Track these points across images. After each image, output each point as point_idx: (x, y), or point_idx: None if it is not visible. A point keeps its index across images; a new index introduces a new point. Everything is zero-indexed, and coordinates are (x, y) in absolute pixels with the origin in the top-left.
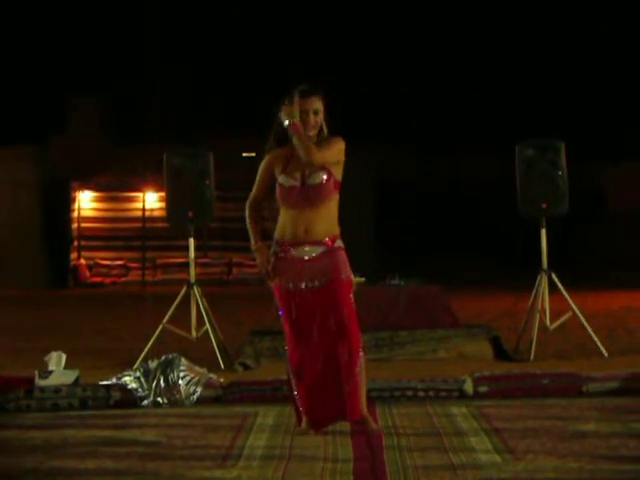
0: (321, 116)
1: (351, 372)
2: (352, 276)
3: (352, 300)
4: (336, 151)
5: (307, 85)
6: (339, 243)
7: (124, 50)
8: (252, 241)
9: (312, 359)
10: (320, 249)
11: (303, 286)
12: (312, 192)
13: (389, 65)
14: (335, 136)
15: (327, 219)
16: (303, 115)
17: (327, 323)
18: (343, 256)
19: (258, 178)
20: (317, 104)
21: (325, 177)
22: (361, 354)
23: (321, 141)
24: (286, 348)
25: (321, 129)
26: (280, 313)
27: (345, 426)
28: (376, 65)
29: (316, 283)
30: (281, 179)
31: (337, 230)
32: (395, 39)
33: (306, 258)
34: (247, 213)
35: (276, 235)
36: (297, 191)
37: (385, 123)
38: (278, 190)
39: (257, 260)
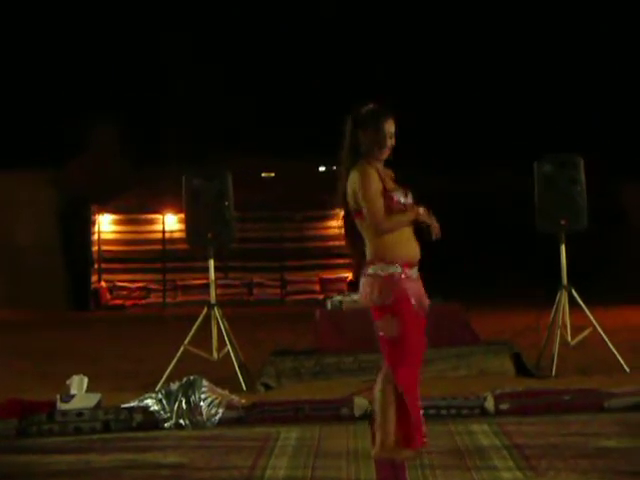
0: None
1: None
2: None
3: None
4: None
5: (381, 105)
6: None
7: (143, 72)
8: (408, 217)
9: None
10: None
11: (423, 306)
12: None
13: (410, 83)
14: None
15: None
16: (389, 138)
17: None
18: None
19: (375, 191)
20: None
21: None
22: None
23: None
24: (388, 365)
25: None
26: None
27: (368, 446)
28: (397, 82)
29: (426, 304)
30: (398, 195)
31: None
32: (408, 52)
33: (414, 277)
34: (386, 225)
35: (388, 255)
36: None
37: (405, 141)
38: (395, 206)
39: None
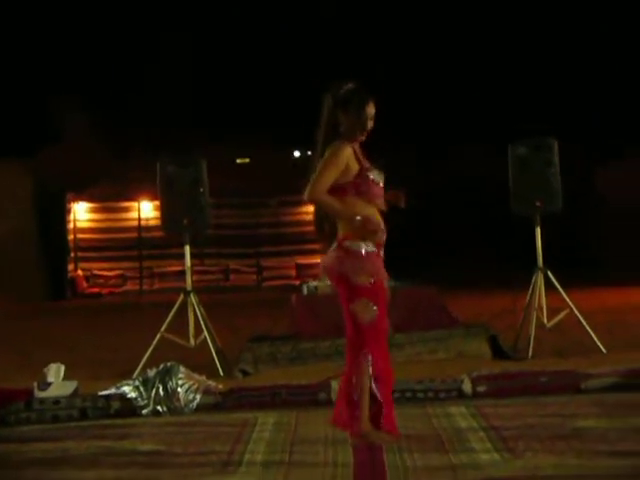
0: None
1: None
2: None
3: None
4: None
5: (361, 85)
6: None
7: (117, 60)
8: (348, 215)
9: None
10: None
11: (389, 284)
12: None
13: (380, 62)
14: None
15: None
16: (370, 120)
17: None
18: None
19: (333, 168)
20: None
21: None
22: None
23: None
24: (366, 351)
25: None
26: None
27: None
28: (367, 62)
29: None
30: (374, 175)
31: None
32: (383, 36)
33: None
34: (322, 199)
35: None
36: (382, 190)
37: (381, 124)
38: (366, 186)
39: (371, 226)
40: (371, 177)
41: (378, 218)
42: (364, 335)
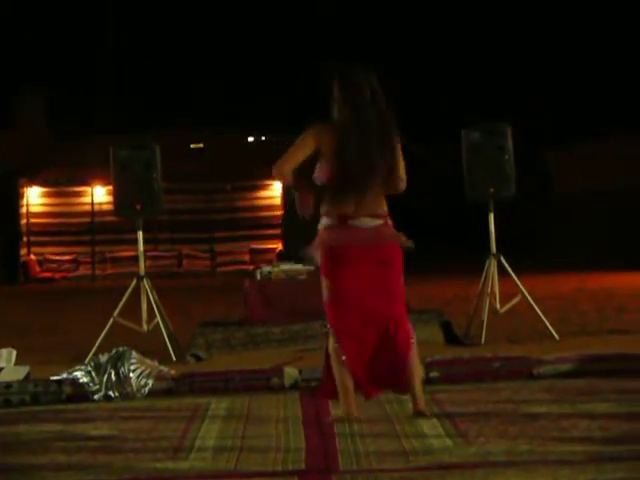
0: None
1: None
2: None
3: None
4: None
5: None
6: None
7: (70, 44)
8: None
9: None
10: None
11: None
12: None
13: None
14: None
15: None
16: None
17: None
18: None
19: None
20: None
21: None
22: None
23: None
24: (328, 327)
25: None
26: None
27: (298, 415)
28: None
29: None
30: None
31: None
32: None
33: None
34: (284, 169)
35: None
36: None
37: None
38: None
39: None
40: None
41: None
42: (326, 311)
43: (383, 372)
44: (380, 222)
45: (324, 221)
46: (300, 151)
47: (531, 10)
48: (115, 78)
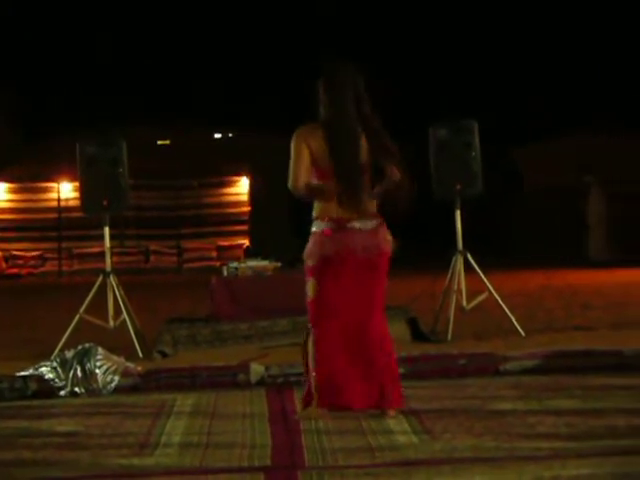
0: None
1: None
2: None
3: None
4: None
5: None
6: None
7: (33, 39)
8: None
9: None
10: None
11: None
12: None
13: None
14: None
15: None
16: None
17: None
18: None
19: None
20: None
21: None
22: None
23: None
24: (309, 327)
25: None
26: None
27: (264, 412)
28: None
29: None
30: None
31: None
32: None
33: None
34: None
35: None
36: None
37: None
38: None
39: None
40: None
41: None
42: (309, 312)
43: (357, 381)
44: (376, 222)
45: (318, 224)
46: (301, 159)
47: (506, 11)
48: (83, 74)
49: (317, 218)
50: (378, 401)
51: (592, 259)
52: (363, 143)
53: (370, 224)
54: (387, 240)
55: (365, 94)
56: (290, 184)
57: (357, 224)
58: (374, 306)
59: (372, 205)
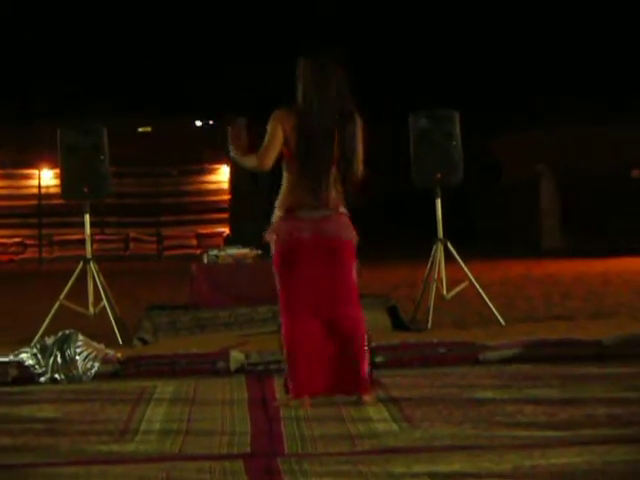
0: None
1: None
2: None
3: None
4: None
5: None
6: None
7: (20, 28)
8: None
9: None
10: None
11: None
12: None
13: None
14: None
15: None
16: None
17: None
18: None
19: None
20: None
21: None
22: None
23: None
24: (280, 320)
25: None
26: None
27: (243, 399)
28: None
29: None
30: None
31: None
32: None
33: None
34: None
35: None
36: None
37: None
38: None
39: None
40: None
41: None
42: (279, 303)
43: (330, 371)
44: (332, 212)
45: (274, 214)
46: (273, 140)
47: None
48: (64, 61)
49: (275, 208)
50: (351, 388)
51: (544, 248)
52: (335, 137)
53: (323, 213)
54: (347, 228)
55: (345, 87)
56: (258, 162)
57: (306, 213)
58: (341, 293)
59: (334, 197)
